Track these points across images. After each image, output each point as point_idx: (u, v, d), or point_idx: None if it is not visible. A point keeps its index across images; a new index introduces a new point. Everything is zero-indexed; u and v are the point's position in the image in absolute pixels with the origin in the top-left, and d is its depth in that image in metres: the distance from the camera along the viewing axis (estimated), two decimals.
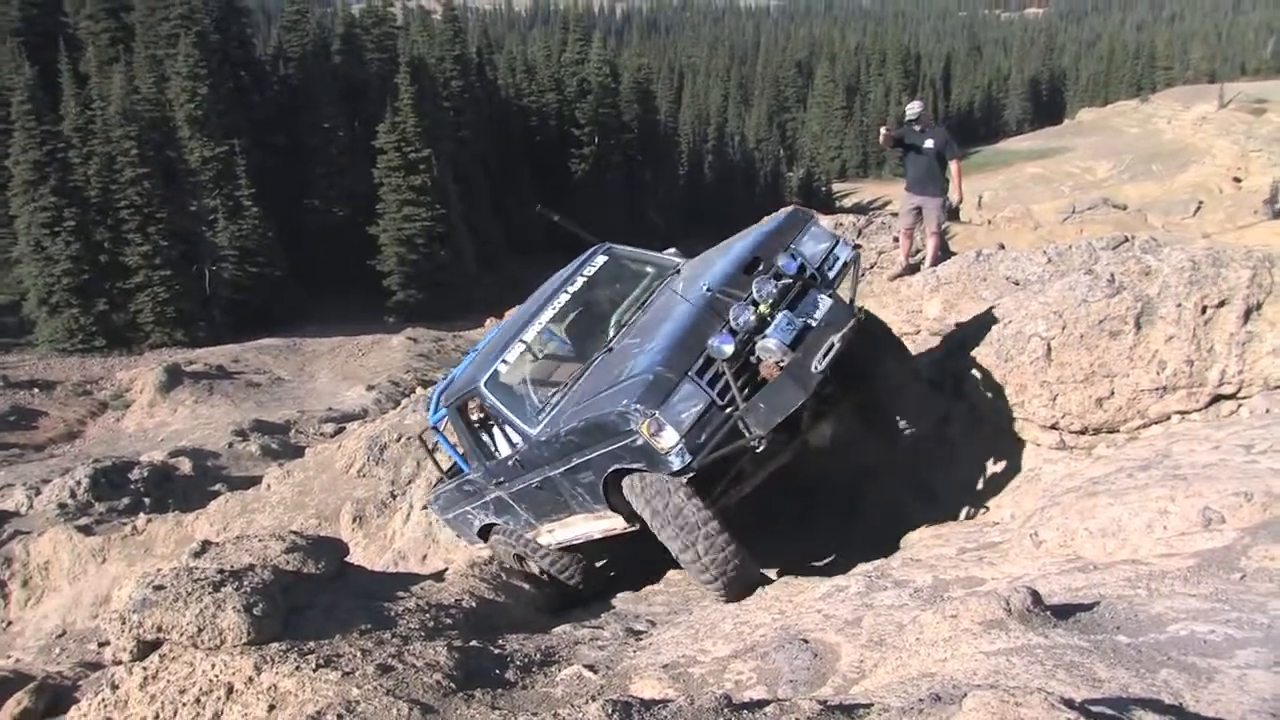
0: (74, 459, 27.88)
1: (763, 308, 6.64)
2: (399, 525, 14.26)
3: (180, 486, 23.43)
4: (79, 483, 22.98)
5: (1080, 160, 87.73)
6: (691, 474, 6.37)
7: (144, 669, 5.56)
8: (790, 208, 8.32)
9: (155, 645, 5.65)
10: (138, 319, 44.37)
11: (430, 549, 13.23)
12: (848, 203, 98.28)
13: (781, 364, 6.47)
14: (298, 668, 5.28)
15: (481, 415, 8.81)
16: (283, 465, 20.71)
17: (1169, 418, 7.26)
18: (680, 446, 6.17)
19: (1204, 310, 7.16)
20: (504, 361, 8.01)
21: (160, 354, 41.62)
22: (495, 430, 8.52)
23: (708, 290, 6.93)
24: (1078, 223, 56.02)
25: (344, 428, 25.58)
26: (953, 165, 11.32)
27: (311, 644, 5.58)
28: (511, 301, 41.94)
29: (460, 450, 9.42)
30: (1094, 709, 2.78)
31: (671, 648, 6.08)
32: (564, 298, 8.45)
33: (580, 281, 8.61)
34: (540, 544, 8.62)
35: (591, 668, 5.76)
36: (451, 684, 5.30)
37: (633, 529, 7.31)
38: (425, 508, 12.65)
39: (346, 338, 40.86)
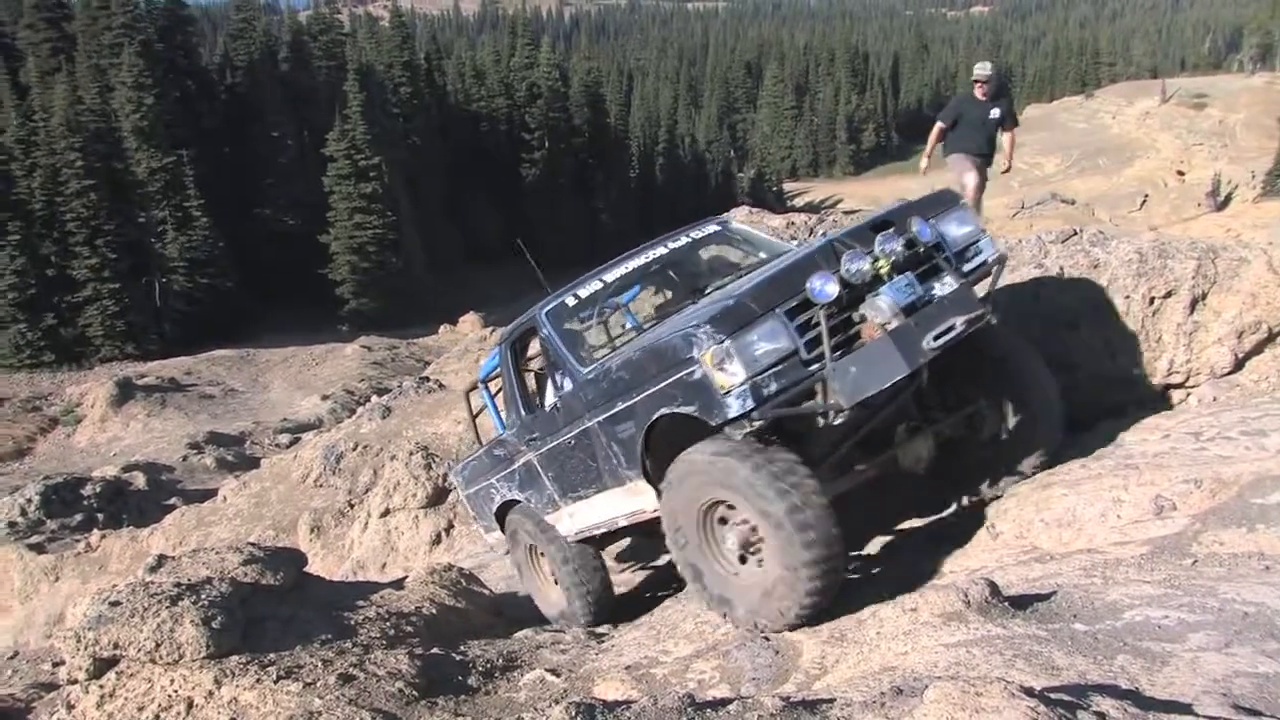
0: (24, 476, 27.54)
1: (882, 264, 5.50)
2: (357, 534, 14.17)
3: (134, 501, 23.17)
4: (30, 500, 22.61)
5: (1029, 156, 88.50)
6: (750, 428, 5.24)
7: (100, 687, 5.43)
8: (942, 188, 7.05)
9: (112, 663, 5.52)
10: (87, 333, 43.86)
11: (389, 557, 13.17)
12: (799, 202, 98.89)
13: (888, 327, 5.34)
14: (258, 680, 5.23)
15: (535, 368, 8.26)
16: (239, 477, 20.52)
17: (1123, 408, 7.35)
18: (744, 388, 5.04)
19: (1151, 301, 7.25)
20: (574, 295, 7.13)
21: (111, 368, 41.18)
22: (549, 384, 7.57)
23: (824, 236, 6.03)
24: (1027, 218, 56.67)
25: (299, 438, 25.39)
26: (1008, 136, 10.87)
27: (272, 656, 5.53)
28: (466, 307, 42.06)
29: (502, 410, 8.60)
30: (1053, 696, 2.81)
31: (634, 649, 6.08)
32: (661, 250, 7.54)
33: (684, 241, 7.67)
34: (559, 532, 7.56)
35: (554, 671, 5.74)
36: (414, 692, 5.27)
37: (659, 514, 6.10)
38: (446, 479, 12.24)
39: (300, 347, 40.59)
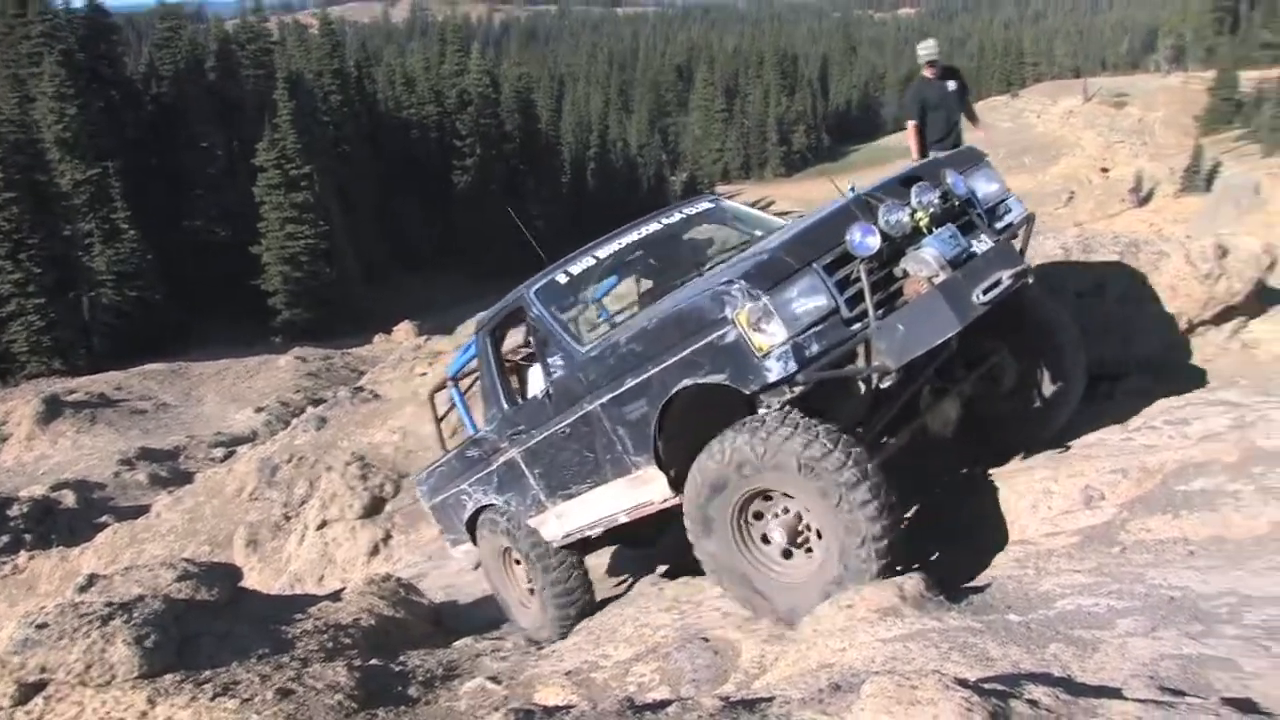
0: None
1: (920, 216, 5.11)
2: (294, 547, 14.02)
3: (64, 520, 22.68)
4: None
5: None
6: (790, 396, 4.83)
7: (27, 714, 5.28)
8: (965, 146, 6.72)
9: (39, 687, 5.36)
10: (12, 349, 42.87)
11: (327, 569, 13.04)
12: None
13: (935, 280, 4.91)
14: (194, 698, 5.16)
15: (518, 359, 7.78)
16: (172, 493, 20.21)
17: None
18: (785, 349, 4.59)
19: (1080, 295, 7.38)
20: (565, 273, 6.65)
21: (38, 384, 40.26)
22: (530, 376, 7.29)
23: (852, 190, 5.45)
24: None
25: (234, 451, 25.03)
26: (969, 103, 10.60)
27: (207, 673, 5.46)
28: (400, 316, 41.78)
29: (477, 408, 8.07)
30: (986, 686, 2.86)
31: (574, 654, 6.08)
32: (655, 226, 7.09)
33: (677, 216, 7.26)
34: (543, 536, 6.95)
35: (494, 679, 5.73)
36: (353, 704, 5.23)
37: (672, 504, 5.66)
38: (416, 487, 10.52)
39: (233, 359, 40.03)
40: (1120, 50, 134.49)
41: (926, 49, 10.32)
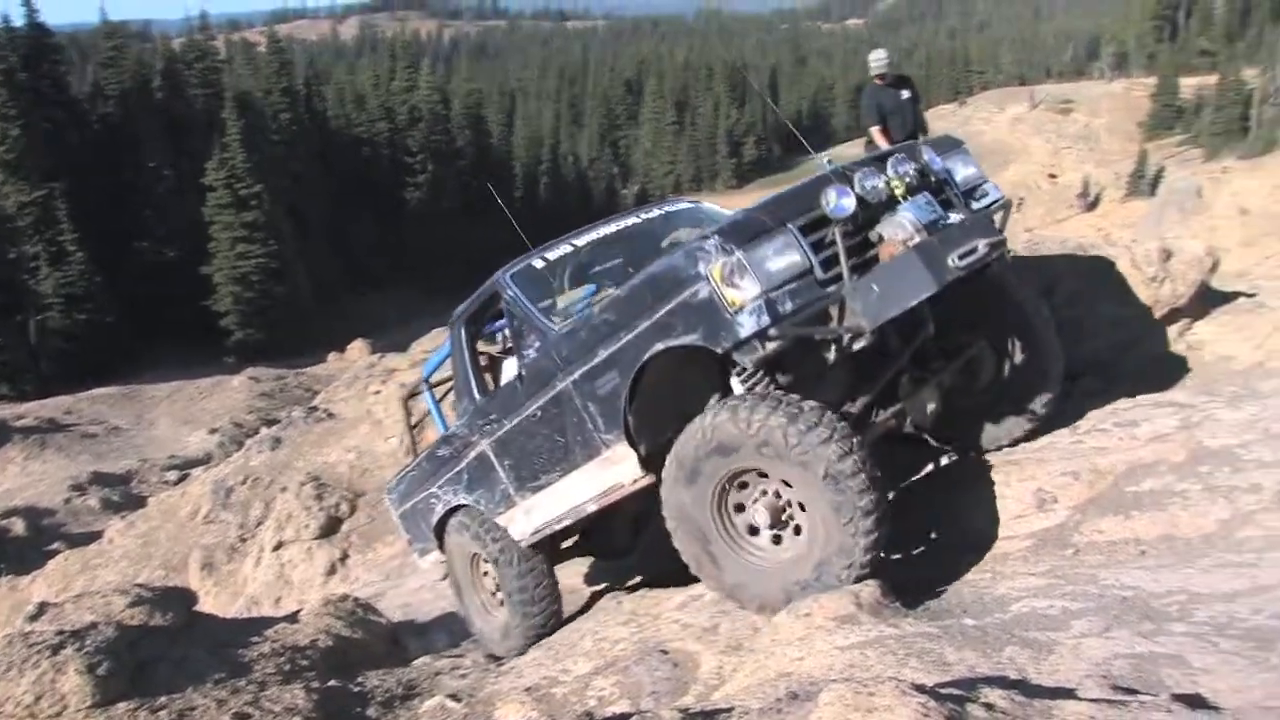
0: None
1: (896, 184, 5.17)
2: (250, 570, 13.91)
3: (14, 549, 22.34)
4: None
5: None
6: (763, 354, 4.78)
7: None
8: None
9: None
10: None
11: (284, 591, 12.95)
12: None
13: (910, 243, 4.94)
14: None
15: (494, 351, 7.66)
16: (125, 517, 19.97)
17: None
18: (758, 303, 4.59)
19: None
20: (541, 258, 6.68)
21: None
22: (505, 367, 7.13)
23: (829, 163, 5.55)
24: None
25: (188, 474, 24.80)
26: (919, 111, 10.60)
27: (163, 699, 5.41)
28: (354, 334, 41.54)
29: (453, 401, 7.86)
30: (943, 691, 2.88)
31: (533, 670, 6.06)
32: (633, 220, 7.22)
33: (657, 213, 7.35)
34: (511, 536, 6.81)
35: (454, 697, 5.71)
36: None
37: (642, 484, 5.61)
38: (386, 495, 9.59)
39: (185, 381, 39.67)
40: (1064, 58, 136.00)
41: (878, 59, 10.44)
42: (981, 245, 5.05)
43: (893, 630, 3.92)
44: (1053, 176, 74.06)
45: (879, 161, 5.31)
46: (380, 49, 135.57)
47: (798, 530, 4.83)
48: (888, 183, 5.15)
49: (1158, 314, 7.59)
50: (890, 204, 5.12)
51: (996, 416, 6.12)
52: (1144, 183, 61.63)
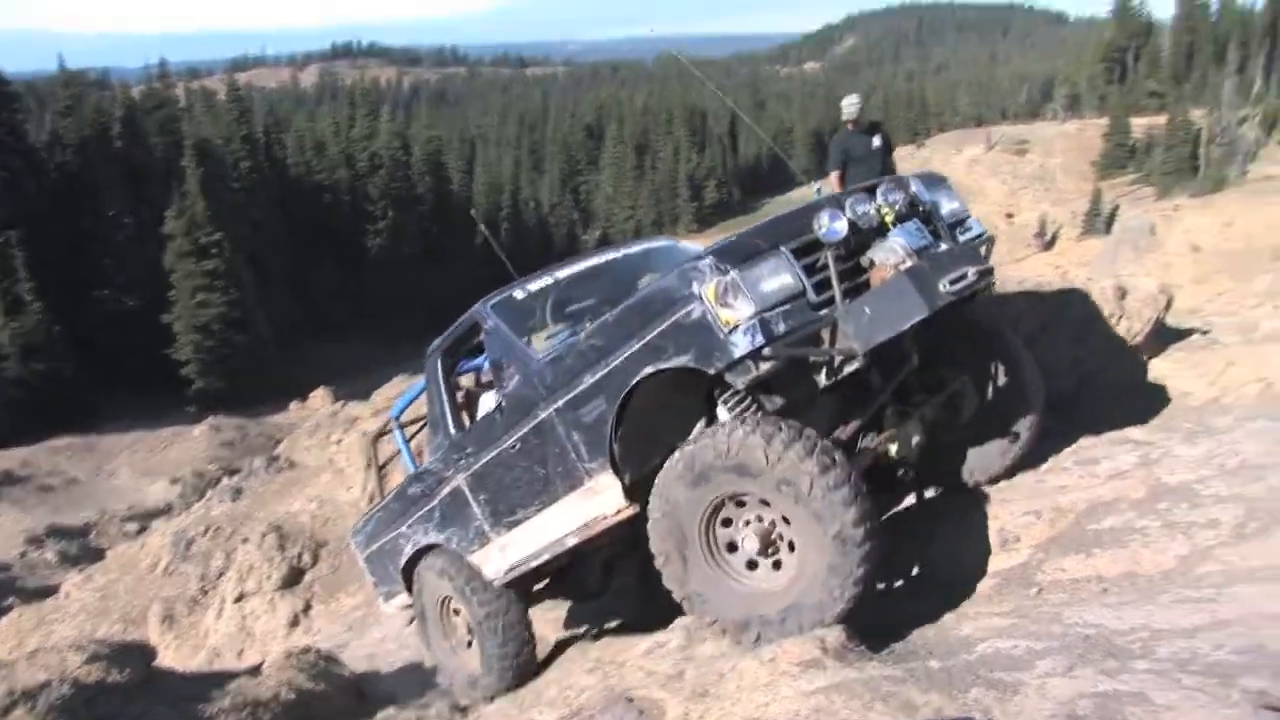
0: None
1: (886, 211, 5.23)
2: (211, 622, 13.74)
3: None
4: None
5: None
6: (756, 375, 4.82)
7: None
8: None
9: None
10: None
11: (246, 643, 12.80)
12: None
13: (902, 266, 4.96)
14: None
15: (466, 385, 7.55)
16: (83, 570, 19.67)
17: None
18: (752, 323, 4.57)
19: None
20: (523, 289, 6.62)
21: None
22: (482, 401, 7.08)
23: (819, 191, 5.66)
24: None
25: (148, 525, 24.53)
26: (892, 162, 10.45)
27: None
28: (316, 382, 41.33)
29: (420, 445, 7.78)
30: None
31: None
32: (614, 255, 7.26)
33: (637, 249, 7.41)
34: (485, 575, 6.66)
35: None
36: None
37: (625, 515, 5.54)
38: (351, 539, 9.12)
39: (146, 431, 39.37)
40: (1019, 100, 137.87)
41: (850, 105, 10.38)
42: (971, 272, 5.09)
43: (858, 674, 3.92)
44: (1010, 216, 74.81)
45: (869, 190, 5.36)
46: (340, 96, 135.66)
47: (777, 565, 4.82)
48: (878, 209, 5.21)
49: (1114, 352, 7.67)
50: (880, 230, 5.17)
51: (979, 450, 6.11)
52: (1099, 221, 62.53)
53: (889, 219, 5.22)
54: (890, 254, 5.02)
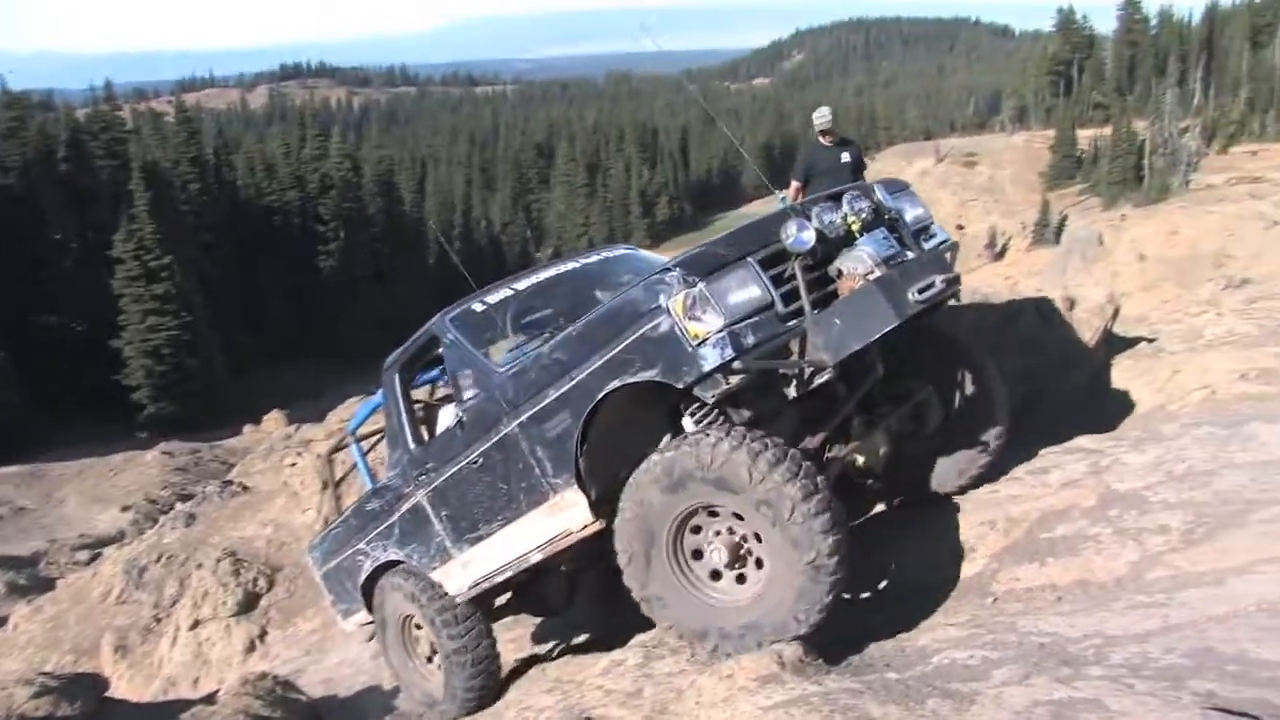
0: None
1: (852, 220, 5.19)
2: (166, 650, 13.55)
3: None
4: None
5: None
6: (725, 388, 4.75)
7: None
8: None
9: None
10: None
11: (202, 671, 12.63)
12: None
13: (870, 276, 4.94)
14: None
15: (424, 401, 7.41)
16: (31, 601, 19.33)
17: None
18: (722, 335, 4.51)
19: None
20: (481, 301, 6.48)
21: None
22: (441, 415, 6.98)
23: (782, 202, 5.52)
24: None
25: (100, 553, 24.17)
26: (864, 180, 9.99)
27: None
28: (269, 405, 40.99)
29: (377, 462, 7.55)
30: None
31: None
32: (572, 265, 7.11)
33: (595, 258, 7.28)
34: (447, 591, 6.52)
35: None
36: None
37: (591, 530, 5.48)
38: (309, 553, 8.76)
39: (96, 458, 38.75)
40: (967, 112, 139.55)
41: (821, 117, 10.20)
42: (939, 280, 5.08)
43: (816, 688, 3.93)
44: (960, 228, 75.63)
45: (834, 198, 5.32)
46: (290, 117, 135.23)
47: (741, 579, 4.78)
48: (844, 218, 5.17)
49: (1064, 362, 7.77)
50: (847, 239, 5.14)
51: (946, 460, 6.10)
52: (1048, 231, 63.46)
53: (855, 228, 5.19)
54: (858, 263, 5.00)
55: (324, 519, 13.01)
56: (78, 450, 41.00)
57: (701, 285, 4.53)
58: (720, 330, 4.51)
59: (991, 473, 6.09)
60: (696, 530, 4.85)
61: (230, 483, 18.79)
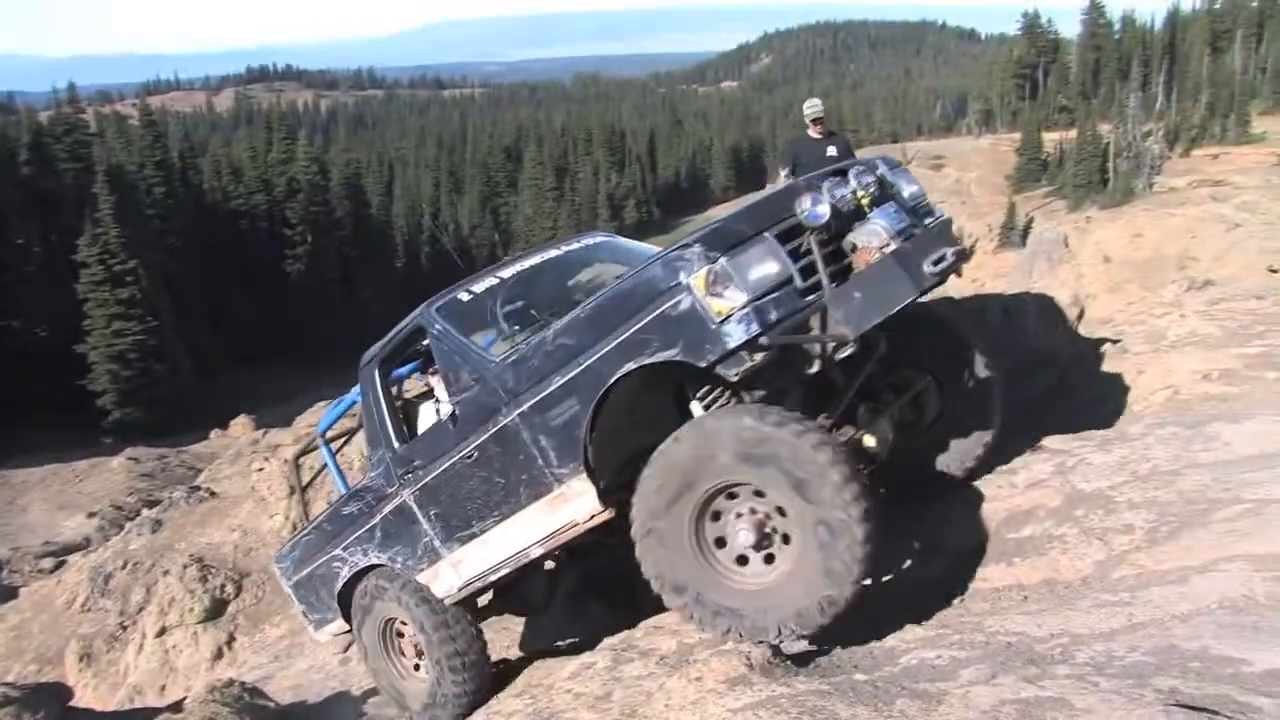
0: None
1: (862, 195, 5.15)
2: (132, 658, 13.45)
3: None
4: None
5: None
6: (749, 366, 4.54)
7: None
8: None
9: None
10: None
11: (169, 678, 12.57)
12: None
13: (886, 249, 4.89)
14: None
15: (402, 399, 7.06)
16: None
17: None
18: (746, 313, 4.38)
19: None
20: (467, 291, 6.27)
21: None
22: (422, 412, 6.64)
23: (788, 176, 5.34)
24: None
25: (65, 561, 23.94)
26: None
27: None
28: (238, 410, 40.75)
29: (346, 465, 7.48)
30: None
31: None
32: (555, 252, 6.87)
33: (578, 245, 7.07)
34: (435, 593, 6.31)
35: None
36: None
37: (599, 520, 5.33)
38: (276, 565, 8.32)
39: (60, 464, 38.40)
40: (934, 115, 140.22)
41: (812, 107, 10.10)
42: (949, 253, 5.05)
43: (785, 689, 3.94)
44: None
45: (839, 174, 5.27)
46: (256, 120, 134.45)
47: (769, 560, 4.62)
48: (853, 193, 5.13)
49: (1031, 363, 7.83)
50: (857, 214, 5.10)
51: (944, 450, 6.05)
52: (1014, 234, 63.80)
53: (865, 202, 5.14)
54: (873, 237, 4.94)
55: (291, 524, 12.96)
56: (42, 457, 40.61)
57: (724, 260, 4.42)
58: (744, 306, 4.40)
59: (980, 467, 6.06)
60: (716, 516, 4.70)
61: (197, 488, 18.67)
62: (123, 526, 22.05)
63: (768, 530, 4.56)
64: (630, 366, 4.70)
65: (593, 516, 5.28)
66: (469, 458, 5.62)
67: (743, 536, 4.60)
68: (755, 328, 4.39)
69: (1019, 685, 3.52)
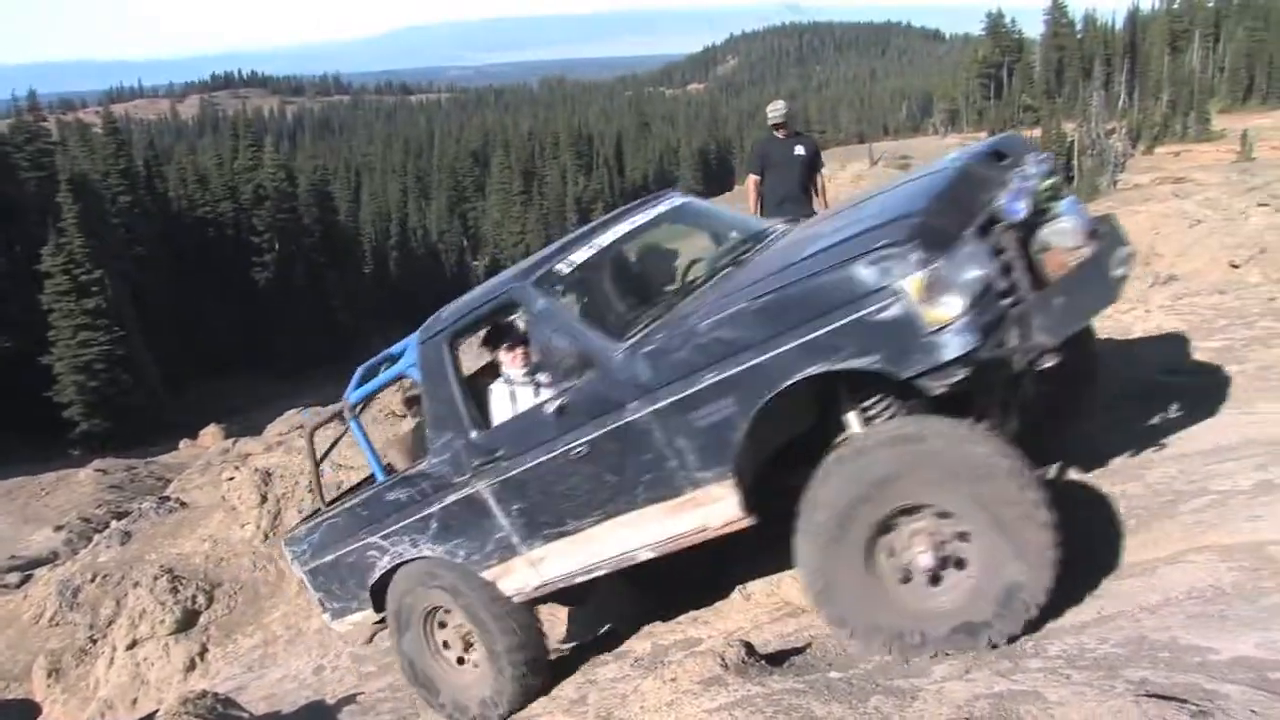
0: None
1: (1045, 189, 4.51)
2: (102, 672, 13.32)
3: None
4: None
5: None
6: (955, 380, 4.06)
7: None
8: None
9: None
10: None
11: (140, 691, 12.44)
12: None
13: (1083, 252, 4.37)
14: None
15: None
16: None
17: None
18: (965, 323, 3.92)
19: None
20: (566, 261, 5.54)
21: None
22: (493, 394, 5.91)
23: (955, 158, 4.81)
24: None
25: (32, 575, 23.71)
26: (820, 178, 9.99)
27: None
28: (207, 420, 40.47)
29: (389, 444, 6.74)
30: None
31: None
32: (639, 218, 6.17)
33: (661, 209, 6.35)
34: (501, 591, 5.85)
35: None
36: None
37: (735, 528, 4.80)
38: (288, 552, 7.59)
39: (27, 477, 38.01)
40: (900, 116, 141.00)
41: (775, 110, 9.95)
42: (1124, 253, 4.56)
43: (760, 689, 3.96)
44: None
45: (999, 158, 4.80)
46: (222, 127, 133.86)
47: (935, 580, 4.20)
48: (1040, 181, 4.53)
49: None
50: (1038, 210, 4.48)
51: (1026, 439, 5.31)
52: None
53: (1047, 197, 4.54)
54: (1066, 237, 4.42)
55: (263, 534, 12.89)
56: (7, 469, 40.22)
57: (942, 263, 3.95)
58: (962, 315, 3.94)
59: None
60: (887, 529, 4.24)
61: (167, 499, 18.55)
62: (91, 539, 21.85)
63: (946, 554, 4.17)
64: (813, 370, 4.22)
65: (728, 524, 4.81)
66: (577, 452, 5.08)
67: (923, 559, 4.18)
68: (973, 340, 3.96)
69: (992, 679, 3.55)
